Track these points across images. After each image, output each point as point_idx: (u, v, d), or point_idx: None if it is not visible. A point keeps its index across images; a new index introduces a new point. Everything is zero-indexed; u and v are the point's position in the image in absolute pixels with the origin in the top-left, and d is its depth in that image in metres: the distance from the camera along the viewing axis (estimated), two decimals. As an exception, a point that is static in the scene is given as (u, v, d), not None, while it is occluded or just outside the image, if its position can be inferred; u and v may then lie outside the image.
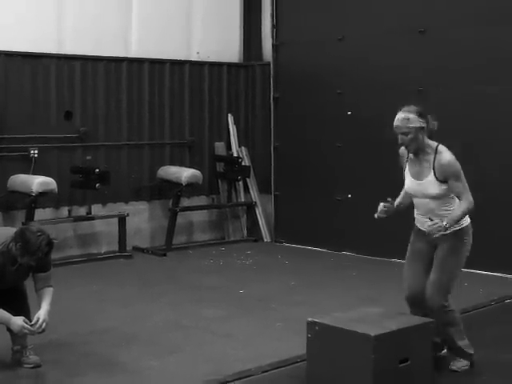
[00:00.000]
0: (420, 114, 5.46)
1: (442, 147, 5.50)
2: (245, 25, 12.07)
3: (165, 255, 10.38)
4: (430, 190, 5.46)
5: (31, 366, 5.76)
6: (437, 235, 5.29)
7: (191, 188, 10.86)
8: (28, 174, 9.56)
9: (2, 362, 5.87)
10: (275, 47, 11.34)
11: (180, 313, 7.43)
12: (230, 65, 11.88)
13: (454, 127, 8.94)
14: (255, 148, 11.95)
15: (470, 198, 5.42)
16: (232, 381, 5.47)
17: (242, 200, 11.81)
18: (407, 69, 9.74)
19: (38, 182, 9.21)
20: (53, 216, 10.01)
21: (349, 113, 10.33)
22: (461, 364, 5.67)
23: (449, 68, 9.35)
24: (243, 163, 11.54)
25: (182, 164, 11.19)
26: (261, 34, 11.93)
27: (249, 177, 11.64)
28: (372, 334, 4.98)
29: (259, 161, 11.82)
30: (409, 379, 5.17)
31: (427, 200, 5.52)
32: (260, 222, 11.69)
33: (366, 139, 10.10)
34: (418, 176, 5.54)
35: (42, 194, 9.22)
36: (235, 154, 11.72)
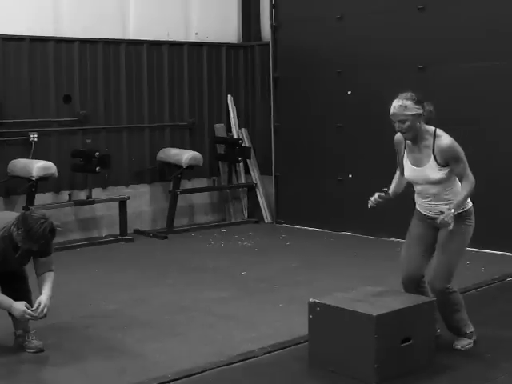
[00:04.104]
0: (417, 101, 5.37)
1: (440, 131, 5.44)
2: (243, 5, 12.01)
3: (166, 238, 10.37)
4: (432, 175, 5.41)
5: (34, 350, 5.76)
6: (451, 226, 5.22)
7: (192, 170, 10.83)
8: (28, 158, 9.54)
9: (5, 346, 5.88)
10: (274, 27, 11.27)
11: (182, 295, 7.44)
12: (229, 45, 11.83)
13: (455, 105, 8.93)
14: (255, 129, 11.93)
15: (472, 178, 5.40)
16: (235, 362, 5.48)
17: (243, 181, 11.80)
18: (407, 47, 9.68)
19: (38, 167, 9.19)
20: (53, 200, 10.00)
21: (349, 92, 10.29)
22: (464, 342, 5.66)
23: (449, 45, 9.29)
24: (243, 144, 11.52)
25: (182, 146, 11.17)
26: (259, 14, 11.89)
27: (249, 158, 11.62)
28: (374, 314, 4.99)
29: (259, 142, 11.80)
30: (411, 358, 5.19)
31: (429, 186, 5.49)
32: (261, 204, 11.68)
33: (367, 119, 10.06)
34: (417, 163, 5.49)
35: (42, 179, 9.21)
36: (235, 136, 11.70)
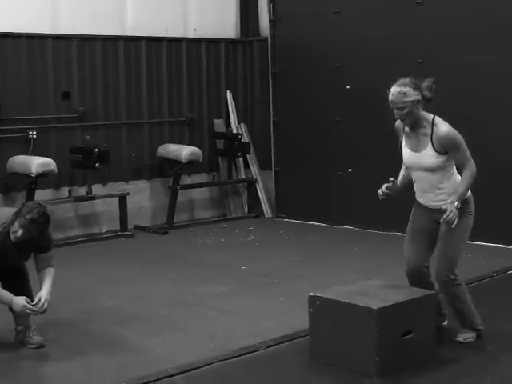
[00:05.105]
0: (415, 87, 5.37)
1: (438, 119, 5.44)
2: (241, 0, 11.98)
3: (166, 233, 10.37)
4: (428, 161, 5.40)
5: (35, 346, 5.76)
6: (455, 223, 5.24)
7: (191, 165, 10.83)
8: (27, 155, 9.53)
9: (6, 342, 5.88)
10: (272, 22, 11.26)
11: (183, 290, 7.44)
12: (227, 41, 11.82)
13: (454, 98, 8.91)
14: (254, 124, 11.92)
15: (472, 166, 5.39)
16: (236, 356, 5.48)
17: (243, 176, 11.79)
18: (405, 41, 9.67)
19: (37, 163, 9.18)
20: (53, 197, 10.00)
21: (348, 86, 10.28)
22: (467, 335, 5.64)
23: (447, 39, 9.28)
24: (243, 140, 11.51)
25: (181, 142, 11.17)
26: (258, 9, 11.88)
27: (249, 153, 11.62)
28: (374, 308, 4.99)
29: (259, 137, 11.79)
30: (412, 352, 5.18)
31: (425, 173, 5.48)
32: (261, 198, 11.68)
33: (366, 113, 10.05)
34: (415, 148, 5.48)
35: (41, 175, 9.20)
36: (235, 131, 11.69)
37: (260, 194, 11.69)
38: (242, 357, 5.49)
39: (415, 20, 9.52)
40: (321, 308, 5.29)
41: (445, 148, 5.36)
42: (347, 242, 9.56)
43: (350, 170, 10.38)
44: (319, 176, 10.79)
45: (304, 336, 5.65)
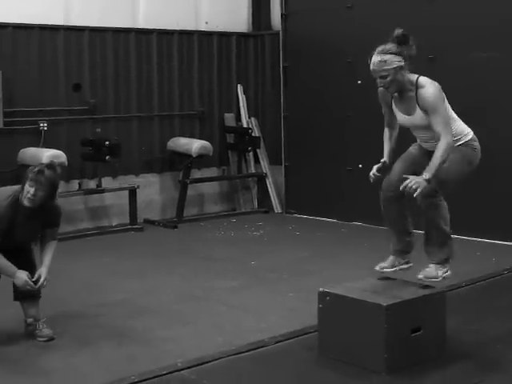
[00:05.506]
0: (397, 52, 5.26)
1: (422, 80, 5.27)
2: (253, -6, 12.00)
3: (176, 227, 10.38)
4: (420, 121, 5.25)
5: (45, 339, 5.78)
6: (418, 192, 4.94)
7: (201, 159, 10.83)
8: (38, 147, 9.55)
9: (15, 334, 5.90)
10: (284, 16, 11.24)
11: (192, 284, 7.44)
12: (239, 34, 11.81)
13: (466, 94, 8.87)
14: (265, 118, 11.91)
15: (449, 138, 5.08)
16: (245, 351, 5.47)
17: (253, 171, 11.78)
18: (417, 37, 9.54)
19: (47, 155, 9.17)
20: (63, 189, 9.97)
21: (359, 82, 10.24)
22: (430, 274, 5.39)
23: (459, 34, 9.25)
24: (253, 134, 11.50)
25: (191, 135, 11.16)
26: (269, 3, 11.86)
27: (259, 148, 11.60)
28: (384, 304, 4.97)
29: (269, 131, 11.77)
30: (421, 348, 5.17)
31: (423, 131, 5.33)
32: (271, 193, 11.66)
33: (377, 108, 9.92)
34: (407, 112, 5.33)
35: (52, 167, 9.20)
36: (245, 125, 11.68)
37: (270, 189, 11.68)
38: (251, 352, 5.47)
39: (427, 15, 9.48)
40: (330, 304, 5.28)
41: (425, 109, 5.16)
42: (356, 238, 9.55)
43: (360, 166, 10.34)
44: (329, 171, 10.77)
45: (313, 332, 5.64)
